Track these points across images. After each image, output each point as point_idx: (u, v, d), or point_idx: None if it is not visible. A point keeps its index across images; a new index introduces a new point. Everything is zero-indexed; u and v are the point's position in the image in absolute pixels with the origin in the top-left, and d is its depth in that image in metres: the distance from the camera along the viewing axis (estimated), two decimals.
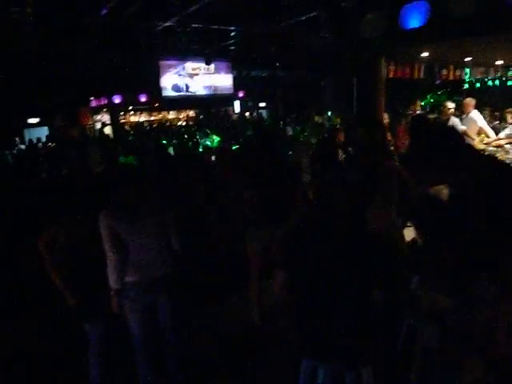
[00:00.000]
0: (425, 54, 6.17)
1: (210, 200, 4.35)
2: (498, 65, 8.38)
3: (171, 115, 17.44)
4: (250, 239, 3.24)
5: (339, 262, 2.02)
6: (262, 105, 18.93)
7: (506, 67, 8.85)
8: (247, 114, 17.35)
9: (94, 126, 15.80)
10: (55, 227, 2.44)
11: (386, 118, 5.65)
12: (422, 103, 10.53)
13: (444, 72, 7.73)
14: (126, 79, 13.73)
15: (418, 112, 9.71)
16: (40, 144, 12.06)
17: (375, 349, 2.15)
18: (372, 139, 2.92)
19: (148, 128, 15.27)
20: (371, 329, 2.09)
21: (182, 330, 2.68)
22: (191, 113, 17.66)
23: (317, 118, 14.32)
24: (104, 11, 8.73)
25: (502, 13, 4.03)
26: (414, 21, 4.93)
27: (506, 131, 5.90)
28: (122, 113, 16.40)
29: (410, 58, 6.69)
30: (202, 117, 16.58)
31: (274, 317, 3.27)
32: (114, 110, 15.71)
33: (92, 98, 15.75)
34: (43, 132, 14.40)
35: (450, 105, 6.08)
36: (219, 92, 15.15)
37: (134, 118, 16.78)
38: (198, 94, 14.80)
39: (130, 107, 16.46)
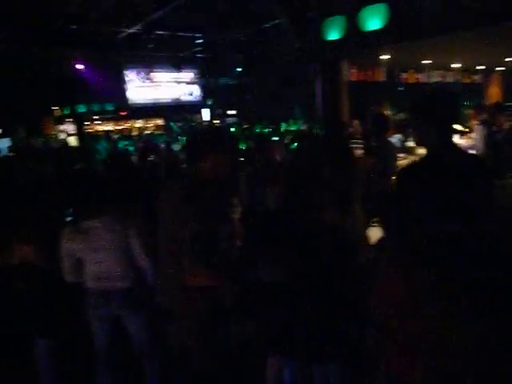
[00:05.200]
0: (385, 57, 6.31)
1: None
2: (454, 68, 8.65)
3: (139, 124, 17.16)
4: None
5: (306, 253, 1.99)
6: (232, 112, 18.92)
7: (464, 71, 9.17)
8: (217, 121, 17.30)
9: (57, 136, 15.33)
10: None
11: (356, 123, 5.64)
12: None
13: (404, 75, 7.93)
14: (91, 87, 13.45)
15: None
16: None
17: (343, 343, 2.10)
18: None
19: (115, 137, 14.97)
20: (337, 322, 2.05)
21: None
22: (159, 121, 17.44)
23: (284, 126, 14.42)
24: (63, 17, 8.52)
25: (457, 13, 4.14)
26: (373, 23, 5.02)
27: None
28: (87, 122, 16.02)
29: (371, 61, 6.83)
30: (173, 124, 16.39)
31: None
32: (78, 120, 15.31)
33: (55, 108, 15.33)
34: (4, 143, 13.87)
35: None
36: (187, 100, 15.04)
37: (100, 127, 16.40)
38: (165, 102, 14.65)
39: (96, 116, 16.11)
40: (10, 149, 13.06)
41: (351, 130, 5.41)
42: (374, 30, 5.02)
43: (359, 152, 4.45)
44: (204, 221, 2.04)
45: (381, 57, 6.37)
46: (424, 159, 2.06)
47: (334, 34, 5.47)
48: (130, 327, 2.42)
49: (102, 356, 2.46)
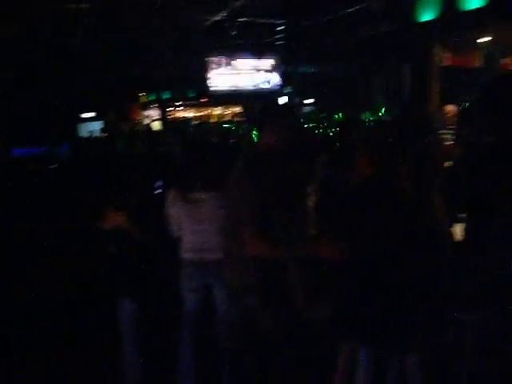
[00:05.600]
0: (483, 40, 5.75)
1: None
2: None
3: (218, 111, 17.63)
4: None
5: (386, 235, 1.90)
6: (309, 101, 18.66)
7: None
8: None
9: (142, 121, 16.29)
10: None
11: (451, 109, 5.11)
12: None
13: (505, 61, 7.15)
14: (175, 74, 14.04)
15: None
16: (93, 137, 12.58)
17: (424, 337, 1.99)
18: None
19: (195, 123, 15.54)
20: (421, 315, 1.94)
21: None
22: (238, 108, 17.76)
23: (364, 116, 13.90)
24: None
25: None
26: (474, 1, 4.61)
27: None
28: (170, 108, 16.81)
29: (468, 44, 6.26)
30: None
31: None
32: (162, 106, 16.13)
33: (142, 94, 16.27)
34: (96, 126, 15.06)
35: None
36: (265, 87, 15.11)
37: (181, 114, 17.11)
38: (244, 89, 14.87)
39: (179, 103, 16.83)
40: (102, 130, 14.18)
41: (441, 117, 5.02)
42: (474, 9, 4.60)
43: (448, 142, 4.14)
44: (268, 200, 2.01)
45: (479, 39, 5.83)
46: (484, 149, 1.97)
47: (428, 15, 5.12)
48: (219, 297, 2.46)
49: (188, 326, 2.53)
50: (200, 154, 2.48)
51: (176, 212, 2.43)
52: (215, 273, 2.39)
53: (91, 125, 15.14)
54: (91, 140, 11.43)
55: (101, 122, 15.61)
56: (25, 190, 4.28)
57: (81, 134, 13.78)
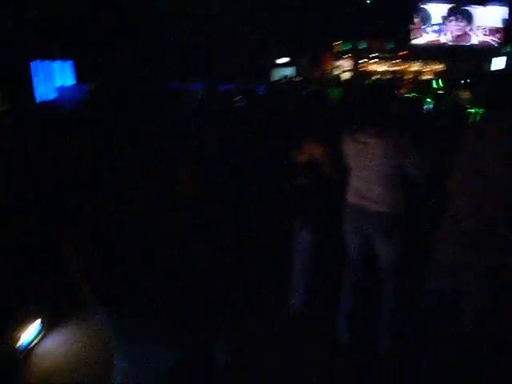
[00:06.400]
0: None
1: None
2: None
3: (415, 67, 16.15)
4: None
5: None
6: None
7: None
8: None
9: (331, 71, 16.13)
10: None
11: None
12: None
13: None
14: (375, 24, 13.29)
15: None
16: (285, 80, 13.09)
17: None
18: None
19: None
20: None
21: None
22: (439, 66, 15.96)
23: None
24: None
25: None
26: None
27: None
28: (364, 60, 16.17)
29: None
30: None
31: None
32: (356, 57, 15.61)
33: (337, 43, 16.01)
34: (289, 72, 15.64)
35: None
36: (480, 45, 13.05)
37: (374, 67, 16.26)
38: (452, 44, 13.14)
39: (375, 54, 16.03)
40: (291, 77, 14.70)
41: None
42: None
43: None
44: None
45: None
46: None
47: None
48: (379, 249, 2.37)
49: (348, 273, 2.51)
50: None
51: (347, 151, 2.36)
52: (375, 224, 2.30)
53: (285, 70, 15.76)
54: (286, 82, 11.96)
55: (293, 67, 16.12)
56: (231, 119, 4.69)
57: (276, 78, 14.52)
